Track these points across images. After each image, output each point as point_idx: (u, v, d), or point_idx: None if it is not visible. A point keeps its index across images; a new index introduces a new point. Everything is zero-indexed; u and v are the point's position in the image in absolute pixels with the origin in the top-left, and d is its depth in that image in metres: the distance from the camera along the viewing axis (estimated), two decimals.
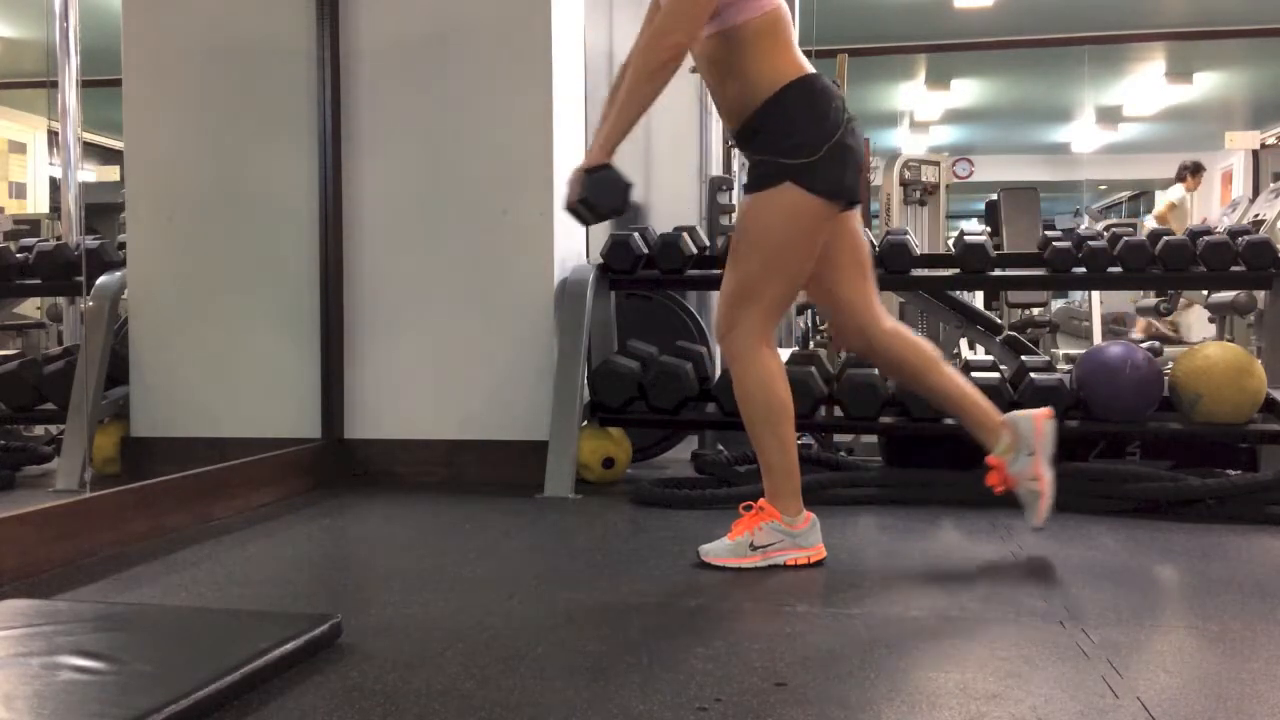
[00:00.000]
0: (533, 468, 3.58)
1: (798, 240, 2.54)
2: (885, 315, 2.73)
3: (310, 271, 3.80)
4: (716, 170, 5.58)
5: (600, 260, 3.93)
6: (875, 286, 2.72)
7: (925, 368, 2.72)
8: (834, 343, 2.71)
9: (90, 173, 6.23)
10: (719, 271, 3.90)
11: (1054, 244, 3.86)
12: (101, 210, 5.72)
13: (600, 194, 2.50)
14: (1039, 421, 2.69)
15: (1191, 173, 9.44)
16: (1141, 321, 8.66)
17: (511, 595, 2.33)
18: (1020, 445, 2.68)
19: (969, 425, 2.75)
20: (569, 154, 3.94)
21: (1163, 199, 9.51)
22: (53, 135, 5.19)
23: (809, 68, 2.56)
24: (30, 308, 5.85)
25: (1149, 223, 9.16)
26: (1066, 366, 3.79)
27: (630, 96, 2.51)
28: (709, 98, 5.37)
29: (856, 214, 2.69)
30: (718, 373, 3.90)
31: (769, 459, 2.59)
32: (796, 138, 2.49)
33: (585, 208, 2.52)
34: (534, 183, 3.76)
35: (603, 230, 4.36)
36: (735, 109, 2.58)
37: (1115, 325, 8.69)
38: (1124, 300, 8.46)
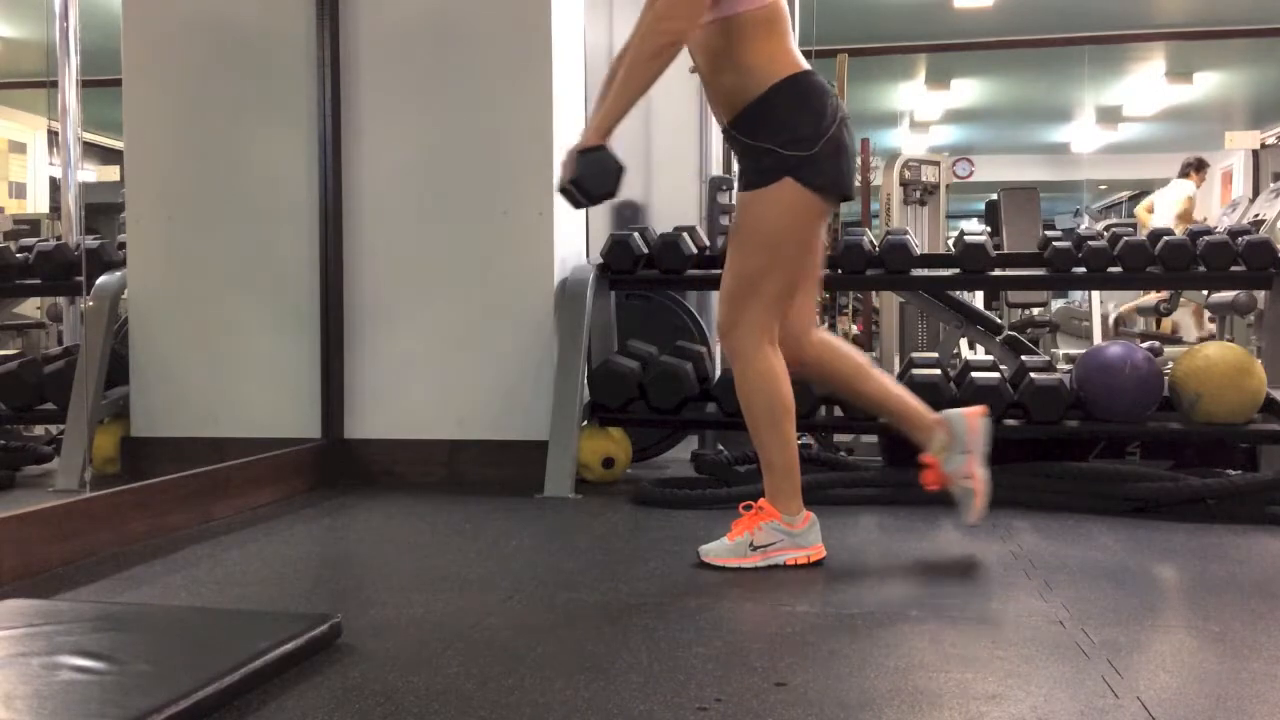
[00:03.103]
0: (533, 468, 3.58)
1: (794, 234, 2.56)
2: (817, 325, 2.75)
3: (310, 271, 3.80)
4: (716, 170, 5.57)
5: (600, 260, 3.93)
6: (818, 296, 2.74)
7: (856, 375, 2.72)
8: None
9: (90, 173, 6.23)
10: (719, 271, 3.90)
11: (1054, 244, 3.86)
12: (101, 210, 5.73)
13: (591, 176, 2.47)
14: (973, 420, 2.69)
15: (1195, 169, 9.42)
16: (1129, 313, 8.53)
17: (511, 595, 2.33)
18: (955, 444, 2.68)
19: (904, 427, 2.75)
20: None
21: (1179, 194, 9.39)
22: (53, 135, 5.19)
23: (804, 64, 2.57)
24: (30, 308, 5.86)
25: (1154, 220, 9.10)
26: (1066, 366, 3.79)
27: (628, 79, 2.50)
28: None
29: (826, 220, 2.69)
30: (718, 373, 3.90)
31: (770, 457, 2.59)
32: (793, 133, 2.49)
33: (577, 189, 2.49)
34: (534, 183, 3.75)
35: (603, 230, 4.37)
36: (729, 100, 2.58)
37: (1123, 327, 8.68)
38: (1125, 300, 8.45)
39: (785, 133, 2.50)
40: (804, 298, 2.69)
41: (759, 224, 2.55)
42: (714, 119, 5.56)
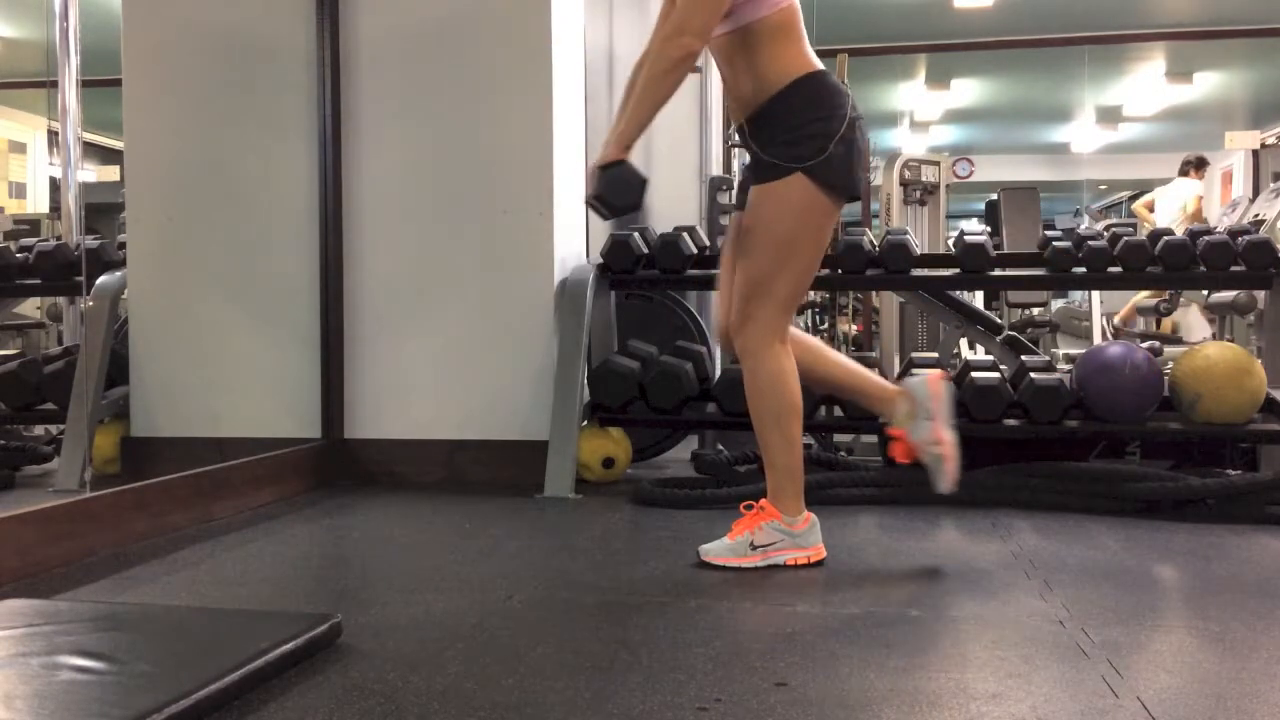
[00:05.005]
0: (533, 468, 3.58)
1: (807, 233, 2.55)
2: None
3: (310, 270, 3.80)
4: (716, 170, 5.58)
5: (600, 260, 3.93)
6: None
7: (813, 361, 2.70)
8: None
9: (90, 173, 6.24)
10: (719, 271, 3.92)
11: (1054, 244, 3.86)
12: (101, 210, 5.73)
13: (613, 190, 2.53)
14: (934, 385, 2.68)
15: (1195, 167, 9.41)
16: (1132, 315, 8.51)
17: (511, 595, 2.33)
18: (919, 411, 2.67)
19: (866, 402, 2.76)
20: (569, 154, 3.94)
21: (1187, 194, 9.36)
22: (53, 135, 5.19)
23: (819, 64, 2.57)
24: (30, 308, 5.86)
25: (1155, 219, 9.07)
26: (1066, 366, 3.79)
27: (644, 95, 2.53)
28: (708, 98, 5.38)
29: (835, 221, 2.68)
30: (718, 373, 3.90)
31: (774, 458, 2.59)
32: (806, 131, 2.50)
33: (600, 203, 2.56)
34: (534, 183, 3.76)
35: (603, 230, 4.37)
36: (747, 101, 2.59)
37: (1124, 328, 8.67)
38: (1125, 300, 8.44)
39: (797, 131, 2.50)
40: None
41: (769, 223, 2.54)
42: (713, 119, 5.58)
